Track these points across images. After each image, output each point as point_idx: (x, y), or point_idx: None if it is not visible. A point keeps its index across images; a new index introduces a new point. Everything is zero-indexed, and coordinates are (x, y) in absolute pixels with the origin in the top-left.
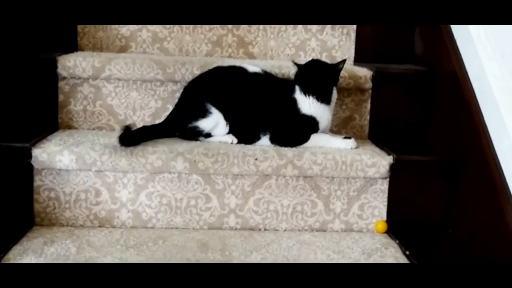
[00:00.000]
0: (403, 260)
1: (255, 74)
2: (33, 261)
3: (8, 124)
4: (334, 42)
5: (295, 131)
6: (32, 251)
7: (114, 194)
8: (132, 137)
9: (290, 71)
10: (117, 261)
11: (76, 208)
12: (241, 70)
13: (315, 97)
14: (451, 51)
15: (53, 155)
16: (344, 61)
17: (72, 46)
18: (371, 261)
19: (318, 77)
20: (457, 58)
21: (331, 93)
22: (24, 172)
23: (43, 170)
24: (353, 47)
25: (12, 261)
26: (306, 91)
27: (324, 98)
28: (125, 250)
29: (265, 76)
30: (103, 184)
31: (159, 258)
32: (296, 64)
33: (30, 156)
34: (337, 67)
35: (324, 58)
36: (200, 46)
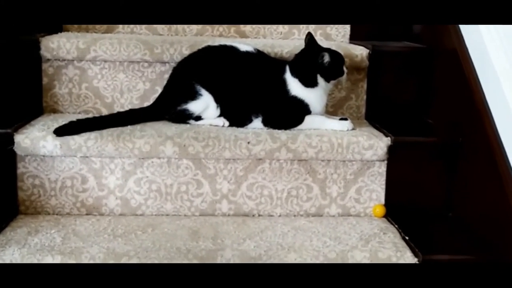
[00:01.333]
0: (402, 245)
1: (247, 53)
2: (16, 253)
3: None
4: None
5: (287, 113)
6: (15, 242)
7: (101, 181)
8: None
9: (283, 50)
10: (104, 251)
11: (62, 196)
12: (232, 50)
13: (298, 79)
14: (451, 27)
15: (36, 140)
16: (324, 55)
17: (57, 27)
18: (369, 247)
19: (300, 58)
20: (457, 35)
21: (314, 78)
22: (7, 159)
23: (26, 156)
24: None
25: None
26: (292, 72)
27: (306, 82)
28: (112, 239)
29: (258, 56)
30: (89, 170)
31: (148, 247)
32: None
33: (12, 142)
34: (318, 55)
35: (319, 36)
36: (190, 25)
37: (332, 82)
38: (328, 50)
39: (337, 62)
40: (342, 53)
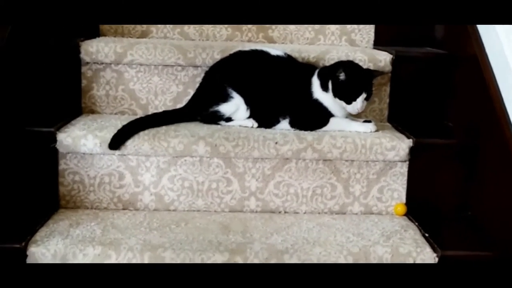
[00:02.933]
0: (422, 241)
1: (277, 57)
2: (60, 243)
3: (33, 109)
4: (354, 25)
5: (312, 115)
6: (58, 233)
7: (137, 178)
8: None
9: (310, 55)
10: (141, 242)
11: (100, 191)
12: (262, 54)
13: (319, 82)
14: (472, 34)
15: (77, 139)
16: (341, 72)
17: (94, 32)
18: (390, 242)
19: (332, 64)
20: (477, 42)
21: (326, 82)
22: (50, 156)
23: (67, 154)
24: (372, 30)
25: (39, 243)
26: (318, 74)
27: (322, 84)
28: (148, 232)
29: (287, 60)
30: (126, 167)
31: (182, 240)
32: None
33: (55, 140)
34: (339, 67)
35: (344, 41)
36: (220, 31)
37: (338, 99)
38: (353, 74)
39: (349, 88)
40: (366, 58)
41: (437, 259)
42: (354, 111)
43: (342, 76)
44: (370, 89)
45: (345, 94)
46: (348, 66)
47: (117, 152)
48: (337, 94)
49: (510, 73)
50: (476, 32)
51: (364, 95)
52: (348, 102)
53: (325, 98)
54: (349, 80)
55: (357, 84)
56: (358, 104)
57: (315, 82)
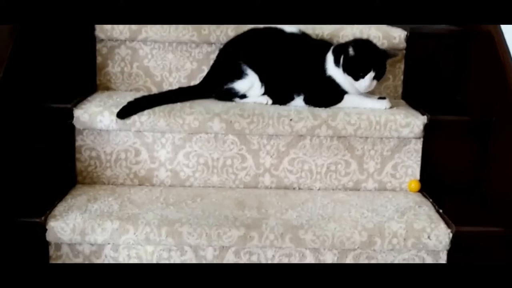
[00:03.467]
0: (436, 218)
1: (291, 34)
2: (79, 217)
3: (50, 86)
4: None
5: (326, 91)
6: (76, 208)
7: (153, 154)
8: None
9: (324, 31)
10: (158, 217)
11: (116, 167)
12: (277, 31)
13: (333, 57)
14: None
15: (94, 115)
16: (350, 47)
17: None
18: (404, 218)
19: (339, 44)
20: None
21: (338, 57)
22: (67, 132)
23: (84, 130)
24: None
25: (58, 217)
26: (332, 51)
27: (335, 59)
28: (165, 207)
29: (302, 37)
30: (142, 144)
31: (198, 215)
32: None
33: (72, 116)
34: (350, 44)
35: None
36: None
37: (347, 75)
38: (362, 51)
39: (357, 64)
40: (380, 34)
41: (451, 235)
42: (362, 89)
43: (351, 51)
44: (380, 69)
45: (353, 70)
46: (359, 43)
47: (133, 129)
48: (346, 69)
49: None
50: None
51: (372, 74)
52: (356, 78)
53: (338, 74)
54: (357, 56)
55: (365, 61)
56: (366, 81)
57: (330, 59)
